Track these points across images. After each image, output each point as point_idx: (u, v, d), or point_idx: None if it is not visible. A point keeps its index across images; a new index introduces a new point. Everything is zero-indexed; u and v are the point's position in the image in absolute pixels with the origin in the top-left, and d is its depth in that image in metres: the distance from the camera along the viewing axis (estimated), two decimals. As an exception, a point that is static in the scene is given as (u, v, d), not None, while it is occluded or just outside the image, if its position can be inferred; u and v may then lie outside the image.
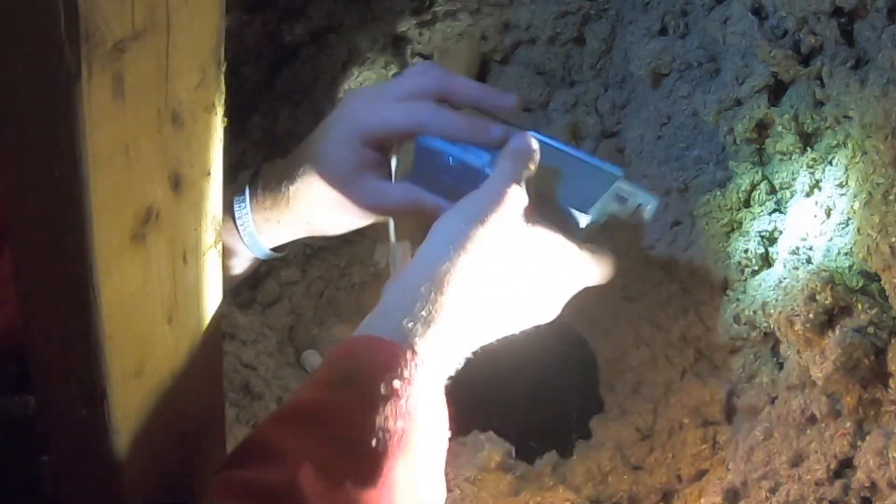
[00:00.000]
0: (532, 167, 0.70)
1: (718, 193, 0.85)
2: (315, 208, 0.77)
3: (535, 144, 0.71)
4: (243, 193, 0.78)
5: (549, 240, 0.67)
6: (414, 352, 0.58)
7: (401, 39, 1.05)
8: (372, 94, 0.78)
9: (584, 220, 0.70)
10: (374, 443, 0.53)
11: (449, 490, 0.76)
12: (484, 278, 0.63)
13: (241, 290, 0.90)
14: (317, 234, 0.80)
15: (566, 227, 0.70)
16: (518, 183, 0.67)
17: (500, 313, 0.65)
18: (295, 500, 0.51)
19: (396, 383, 0.55)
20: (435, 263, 0.62)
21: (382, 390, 0.55)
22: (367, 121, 0.76)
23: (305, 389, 0.58)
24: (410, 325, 0.59)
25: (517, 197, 0.66)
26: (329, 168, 0.76)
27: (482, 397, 0.89)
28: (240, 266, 0.80)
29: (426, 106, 0.75)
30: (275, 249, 0.81)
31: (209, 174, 0.53)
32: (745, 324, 0.79)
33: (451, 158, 0.74)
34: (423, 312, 0.60)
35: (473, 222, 0.64)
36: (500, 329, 0.66)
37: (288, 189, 0.77)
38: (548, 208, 0.70)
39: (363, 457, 0.53)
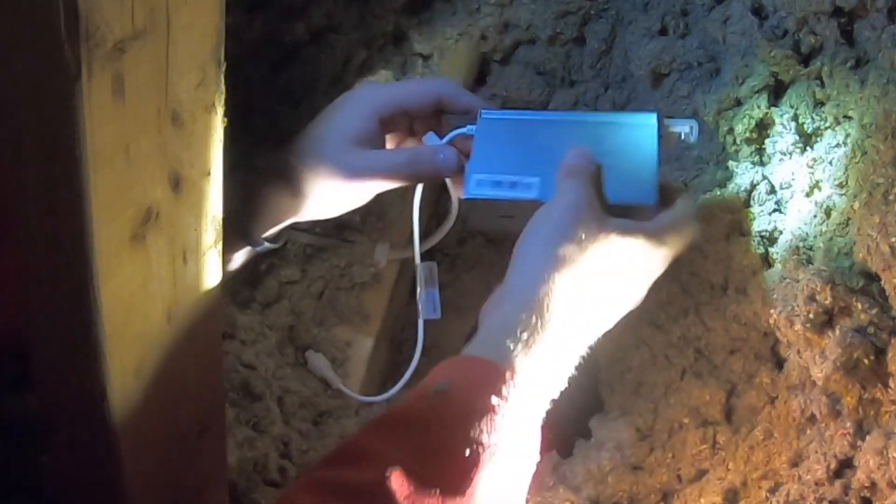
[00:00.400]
0: (594, 176, 0.70)
1: (718, 193, 0.85)
2: (322, 179, 0.79)
3: (589, 157, 0.71)
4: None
5: (627, 230, 0.67)
6: (514, 371, 0.59)
7: (401, 39, 1.05)
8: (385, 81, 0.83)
9: (651, 196, 0.71)
10: (466, 453, 0.54)
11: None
12: (579, 293, 0.64)
13: (241, 290, 0.90)
14: (316, 216, 0.82)
15: (636, 197, 0.71)
16: (586, 191, 0.68)
17: (596, 321, 0.66)
18: (382, 500, 0.51)
19: (494, 399, 0.56)
20: (529, 289, 0.63)
21: (479, 405, 0.56)
22: (386, 93, 0.81)
23: (402, 401, 0.60)
24: (511, 346, 0.60)
25: (589, 204, 0.67)
26: (340, 136, 0.79)
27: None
28: (235, 262, 0.81)
29: (443, 82, 0.82)
30: (270, 240, 0.81)
31: (209, 174, 0.53)
32: (745, 324, 0.79)
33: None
34: (525, 335, 0.61)
35: (557, 241, 0.65)
36: (596, 335, 0.67)
37: (300, 163, 0.79)
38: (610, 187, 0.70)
39: (454, 466, 0.54)
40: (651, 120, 0.75)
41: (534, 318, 0.61)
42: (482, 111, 0.79)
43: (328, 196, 0.80)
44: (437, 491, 0.53)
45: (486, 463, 0.55)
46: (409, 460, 0.53)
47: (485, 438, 0.55)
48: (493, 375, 0.58)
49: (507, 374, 0.58)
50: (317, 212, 0.82)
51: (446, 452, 0.55)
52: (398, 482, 0.52)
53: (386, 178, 0.79)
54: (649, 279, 0.69)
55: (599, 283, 0.66)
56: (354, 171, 0.78)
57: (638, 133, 0.75)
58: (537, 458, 0.60)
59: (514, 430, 0.57)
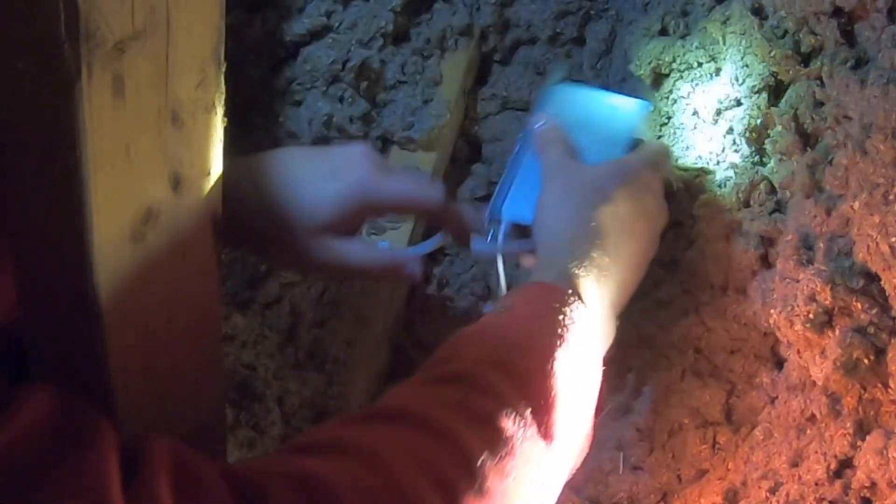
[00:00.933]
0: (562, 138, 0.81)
1: (718, 193, 0.85)
2: (281, 253, 0.76)
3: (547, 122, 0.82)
4: None
5: (612, 163, 0.77)
6: (573, 287, 0.67)
7: (401, 39, 1.05)
8: (373, 161, 0.78)
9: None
10: (543, 340, 0.63)
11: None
12: (605, 219, 0.72)
13: (241, 291, 0.90)
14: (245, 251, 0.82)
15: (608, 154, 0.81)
16: (562, 155, 0.79)
17: (628, 239, 0.74)
18: (466, 380, 0.59)
19: (556, 305, 0.64)
20: (564, 234, 0.72)
21: (540, 310, 0.65)
22: (384, 192, 0.76)
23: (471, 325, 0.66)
24: (574, 277, 0.68)
25: (568, 162, 0.78)
26: (314, 221, 0.74)
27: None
28: None
29: (437, 191, 0.81)
30: None
31: (209, 174, 0.53)
32: (745, 324, 0.79)
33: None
34: (579, 266, 0.69)
35: (562, 199, 0.75)
36: (636, 254, 0.75)
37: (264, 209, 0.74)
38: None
39: (531, 349, 0.62)
40: (642, 108, 0.86)
41: (577, 253, 0.70)
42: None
43: (284, 261, 0.81)
44: (525, 363, 0.61)
45: (562, 347, 0.63)
46: (491, 352, 0.61)
47: (554, 331, 0.63)
48: (553, 290, 0.66)
49: (567, 292, 0.66)
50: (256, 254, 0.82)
51: (521, 341, 0.62)
52: (484, 364, 0.59)
53: (352, 275, 0.82)
54: (654, 191, 0.77)
55: (624, 203, 0.73)
56: (320, 261, 0.76)
57: (622, 116, 0.86)
58: (601, 364, 0.69)
59: (575, 327, 0.65)
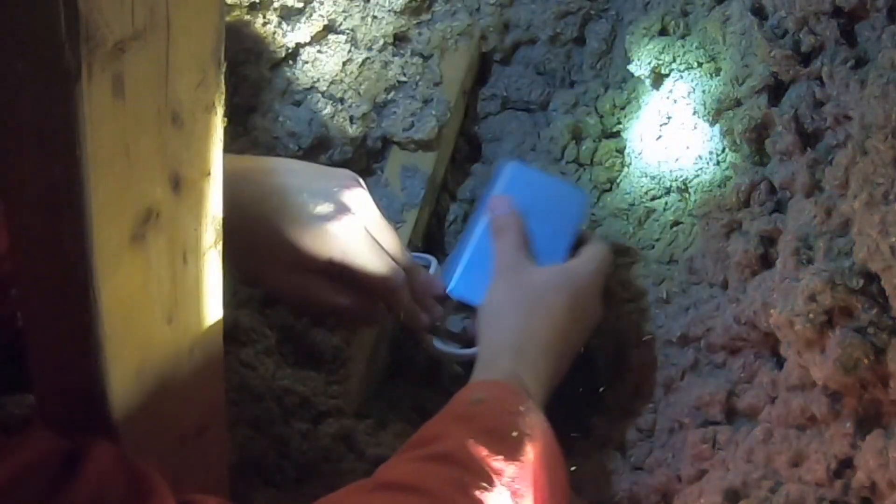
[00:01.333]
0: (519, 228, 0.89)
1: (718, 193, 0.85)
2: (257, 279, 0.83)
3: (508, 206, 0.90)
4: None
5: (556, 271, 0.86)
6: (527, 392, 0.77)
7: (401, 39, 1.05)
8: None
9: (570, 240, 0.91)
10: (514, 434, 0.70)
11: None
12: (549, 330, 0.82)
13: (241, 290, 0.90)
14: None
15: (556, 248, 0.90)
16: (516, 251, 0.87)
17: (570, 343, 0.84)
18: (465, 460, 0.67)
19: (520, 408, 0.73)
20: (510, 340, 0.81)
21: (511, 409, 0.73)
22: (366, 262, 0.81)
23: (446, 408, 0.75)
24: (521, 376, 0.78)
25: (521, 261, 0.86)
26: (292, 258, 0.78)
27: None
28: None
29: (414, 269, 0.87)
30: None
31: (209, 174, 0.53)
32: (744, 324, 0.79)
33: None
34: (525, 369, 0.79)
35: (518, 298, 0.84)
36: (575, 351, 0.85)
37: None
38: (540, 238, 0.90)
39: (506, 442, 0.70)
40: (581, 199, 0.95)
41: (520, 358, 0.80)
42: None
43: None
44: (501, 456, 0.68)
45: (528, 442, 0.71)
46: (476, 437, 0.68)
47: (523, 427, 0.71)
48: (516, 395, 0.75)
49: (523, 394, 0.76)
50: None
51: (499, 433, 0.70)
52: (474, 448, 0.67)
53: (324, 312, 0.88)
54: (591, 299, 0.87)
55: (563, 315, 0.83)
56: (295, 293, 0.82)
57: (567, 205, 0.93)
58: (557, 449, 0.75)
59: (537, 426, 0.73)
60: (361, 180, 0.82)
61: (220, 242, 0.56)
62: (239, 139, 0.97)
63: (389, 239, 0.83)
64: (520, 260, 0.86)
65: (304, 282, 0.80)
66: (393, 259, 0.83)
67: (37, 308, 0.50)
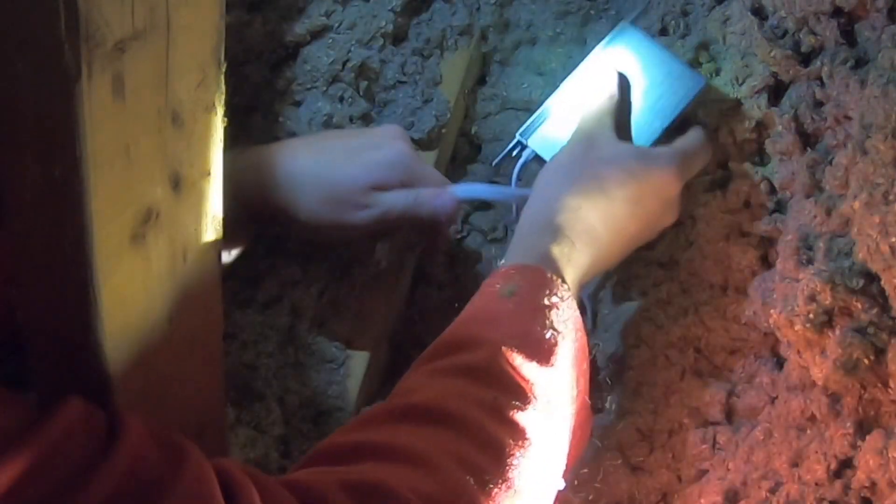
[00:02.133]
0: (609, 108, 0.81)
1: (718, 193, 0.85)
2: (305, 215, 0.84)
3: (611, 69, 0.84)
4: None
5: (632, 154, 0.77)
6: (562, 278, 0.71)
7: (401, 39, 1.05)
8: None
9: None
10: (547, 335, 0.67)
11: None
12: (605, 212, 0.75)
13: (241, 290, 0.90)
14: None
15: (650, 127, 0.83)
16: (602, 113, 0.80)
17: (624, 238, 0.77)
18: (496, 373, 0.63)
19: (555, 298, 0.69)
20: (558, 212, 0.74)
21: (545, 302, 0.68)
22: (415, 165, 0.86)
23: (476, 299, 0.72)
24: (557, 258, 0.72)
25: (601, 133, 0.79)
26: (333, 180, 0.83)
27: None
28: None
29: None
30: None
31: (209, 174, 0.53)
32: (744, 324, 0.79)
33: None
34: (566, 250, 0.73)
35: (576, 170, 0.76)
36: (629, 248, 0.79)
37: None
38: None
39: (540, 345, 0.67)
40: (697, 83, 0.84)
41: (561, 238, 0.73)
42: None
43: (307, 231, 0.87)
44: (535, 362, 0.65)
45: (561, 342, 0.68)
46: (508, 342, 0.65)
47: (557, 325, 0.68)
48: (551, 283, 0.70)
49: (559, 281, 0.71)
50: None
51: (533, 336, 0.66)
52: (506, 358, 0.64)
53: (396, 224, 0.87)
54: (663, 196, 0.77)
55: (622, 204, 0.75)
56: (368, 218, 0.84)
57: (678, 86, 0.84)
58: (585, 341, 0.73)
59: (570, 319, 0.70)
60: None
61: (220, 242, 0.56)
62: (239, 139, 0.97)
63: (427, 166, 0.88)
64: (603, 127, 0.79)
65: (382, 202, 0.83)
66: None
67: (37, 308, 0.50)
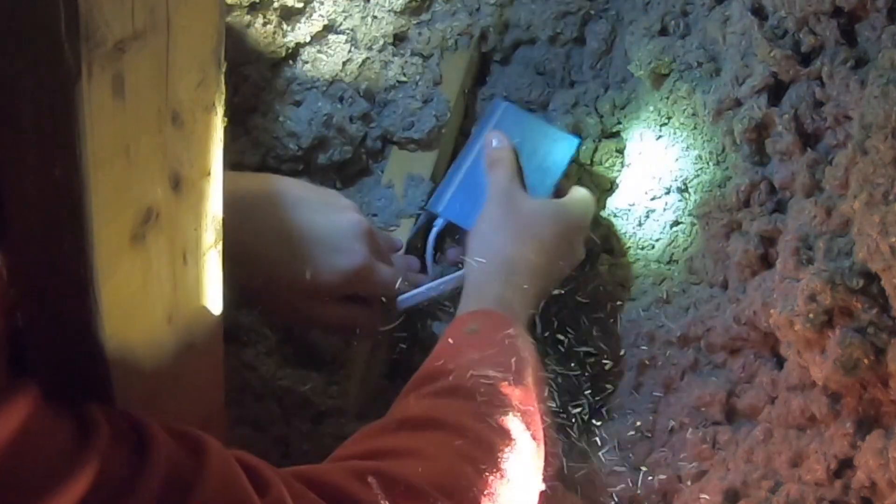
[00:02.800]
0: (513, 162, 0.93)
1: (718, 193, 0.85)
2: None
3: (505, 140, 0.95)
4: None
5: (546, 204, 0.91)
6: (515, 317, 0.81)
7: (401, 39, 1.05)
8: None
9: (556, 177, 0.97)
10: (511, 359, 0.74)
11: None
12: (534, 257, 0.86)
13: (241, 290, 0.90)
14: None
15: (543, 186, 0.95)
16: (509, 180, 0.92)
17: (551, 274, 0.89)
18: (469, 392, 0.70)
19: (512, 332, 0.77)
20: (498, 264, 0.86)
21: (505, 336, 0.77)
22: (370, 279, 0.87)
23: (441, 342, 0.78)
24: (507, 302, 0.82)
25: (514, 189, 0.91)
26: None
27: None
28: None
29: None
30: None
31: (209, 174, 0.53)
32: (744, 324, 0.79)
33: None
34: (508, 293, 0.83)
35: (505, 225, 0.88)
36: (556, 282, 0.90)
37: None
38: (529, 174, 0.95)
39: (508, 369, 0.73)
40: (573, 143, 0.98)
41: (508, 281, 0.84)
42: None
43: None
44: (506, 380, 0.71)
45: (523, 363, 0.75)
46: (480, 366, 0.71)
47: (518, 351, 0.75)
48: (505, 320, 0.80)
49: (511, 318, 0.80)
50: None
51: (500, 360, 0.73)
52: (481, 377, 0.70)
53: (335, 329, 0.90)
54: (577, 236, 0.91)
55: (552, 244, 0.88)
56: (309, 319, 0.88)
57: (558, 147, 0.97)
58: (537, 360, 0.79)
59: (526, 346, 0.78)
60: (356, 206, 0.90)
61: (220, 242, 0.56)
62: (239, 139, 0.97)
63: (386, 250, 0.91)
64: (514, 189, 0.91)
65: (316, 309, 0.86)
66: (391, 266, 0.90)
67: (37, 308, 0.50)
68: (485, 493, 0.63)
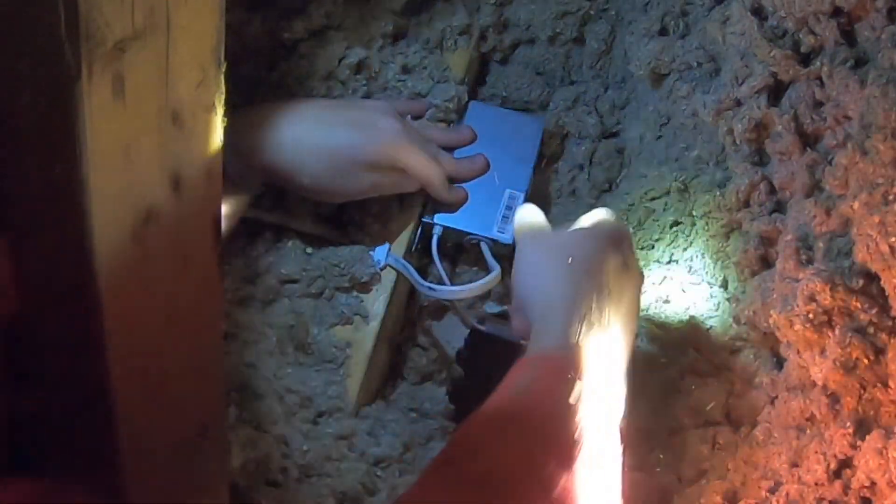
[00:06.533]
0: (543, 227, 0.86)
1: (718, 193, 0.85)
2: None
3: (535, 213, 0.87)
4: None
5: (575, 231, 0.80)
6: (578, 361, 0.66)
7: (400, 39, 1.05)
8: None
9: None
10: (563, 432, 0.62)
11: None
12: (583, 279, 0.72)
13: (241, 288, 0.90)
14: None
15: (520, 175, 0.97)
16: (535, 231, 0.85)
17: (622, 311, 0.73)
18: (503, 485, 0.59)
19: (575, 390, 0.64)
20: (558, 317, 0.70)
21: (562, 393, 0.64)
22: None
23: (494, 398, 0.66)
24: (579, 347, 0.67)
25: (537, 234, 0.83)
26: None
27: (483, 397, 0.89)
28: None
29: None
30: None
31: (209, 174, 0.53)
32: (744, 324, 0.79)
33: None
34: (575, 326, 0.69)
35: (560, 268, 0.74)
36: (631, 320, 0.74)
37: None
38: None
39: (558, 440, 0.62)
40: (539, 122, 1.00)
41: (570, 333, 0.68)
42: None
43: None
44: (551, 464, 0.60)
45: (580, 440, 0.62)
46: (518, 447, 0.61)
47: (574, 419, 0.62)
48: (565, 371, 0.65)
49: (570, 368, 0.65)
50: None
51: (546, 434, 0.62)
52: (519, 463, 0.60)
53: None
54: (618, 247, 0.76)
55: (592, 267, 0.73)
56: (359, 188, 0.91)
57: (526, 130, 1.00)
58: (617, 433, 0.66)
59: (593, 412, 0.64)
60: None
61: (220, 242, 0.56)
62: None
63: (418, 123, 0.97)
64: (541, 233, 0.84)
65: (363, 178, 0.90)
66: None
67: (37, 308, 0.50)
68: None
